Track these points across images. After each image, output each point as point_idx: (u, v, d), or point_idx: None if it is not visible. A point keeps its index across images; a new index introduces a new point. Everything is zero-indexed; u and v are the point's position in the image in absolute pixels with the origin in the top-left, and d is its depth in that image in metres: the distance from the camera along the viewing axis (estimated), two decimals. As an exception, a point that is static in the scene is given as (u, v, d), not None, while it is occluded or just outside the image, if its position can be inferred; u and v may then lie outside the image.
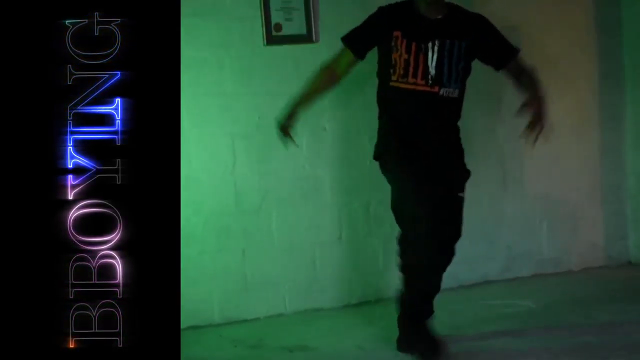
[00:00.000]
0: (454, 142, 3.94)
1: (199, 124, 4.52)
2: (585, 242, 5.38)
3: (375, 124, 4.78)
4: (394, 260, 4.84)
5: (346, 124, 4.80)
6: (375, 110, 4.77)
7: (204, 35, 4.52)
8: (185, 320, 4.36)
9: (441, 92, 3.80)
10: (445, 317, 4.26)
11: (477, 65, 4.94)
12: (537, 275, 5.17)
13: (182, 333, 4.22)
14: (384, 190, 4.71)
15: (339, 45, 4.70)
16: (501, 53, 3.96)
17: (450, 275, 4.29)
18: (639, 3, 5.33)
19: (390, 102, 3.94)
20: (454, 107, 3.89)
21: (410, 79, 3.80)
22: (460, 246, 4.63)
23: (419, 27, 3.81)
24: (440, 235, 3.72)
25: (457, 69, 3.81)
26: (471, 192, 4.80)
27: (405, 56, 3.79)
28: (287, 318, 4.65)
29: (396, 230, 4.84)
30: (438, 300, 4.57)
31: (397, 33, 3.80)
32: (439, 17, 3.82)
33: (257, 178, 4.66)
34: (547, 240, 5.27)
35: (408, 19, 3.83)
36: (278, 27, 4.63)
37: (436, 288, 3.89)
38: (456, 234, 3.84)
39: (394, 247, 4.83)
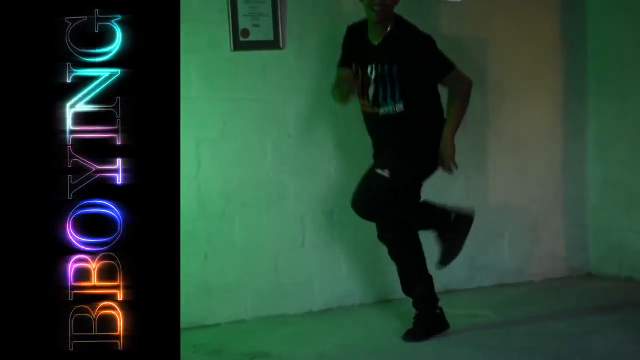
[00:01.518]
0: (400, 149, 4.10)
1: (163, 128, 4.47)
2: (547, 253, 5.40)
3: (341, 131, 4.80)
4: (357, 267, 4.86)
5: (311, 130, 4.77)
6: (341, 118, 4.78)
7: (171, 39, 4.48)
8: (145, 325, 4.32)
9: (381, 112, 4.06)
10: (405, 326, 4.26)
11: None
12: (499, 285, 5.17)
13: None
14: (348, 197, 4.69)
15: (305, 52, 4.71)
16: (435, 71, 4.08)
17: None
18: (604, 21, 5.37)
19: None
20: (403, 121, 4.05)
21: (361, 101, 4.14)
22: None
23: (364, 52, 4.09)
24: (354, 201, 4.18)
25: (394, 89, 4.01)
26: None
27: (356, 80, 4.10)
28: (249, 324, 4.59)
29: (359, 238, 4.86)
30: (398, 309, 4.58)
31: (351, 58, 4.15)
32: (380, 41, 4.03)
33: (221, 183, 4.61)
34: (509, 250, 5.27)
35: (359, 43, 4.12)
36: (246, 32, 4.58)
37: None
38: (363, 199, 4.13)
39: (357, 254, 4.85)
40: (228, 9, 4.55)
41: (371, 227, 4.66)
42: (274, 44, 4.64)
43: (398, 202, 4.09)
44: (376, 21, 3.98)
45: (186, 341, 4.25)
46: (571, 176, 5.46)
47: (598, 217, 5.46)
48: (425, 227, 4.21)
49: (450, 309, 4.26)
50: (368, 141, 4.80)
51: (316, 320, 4.61)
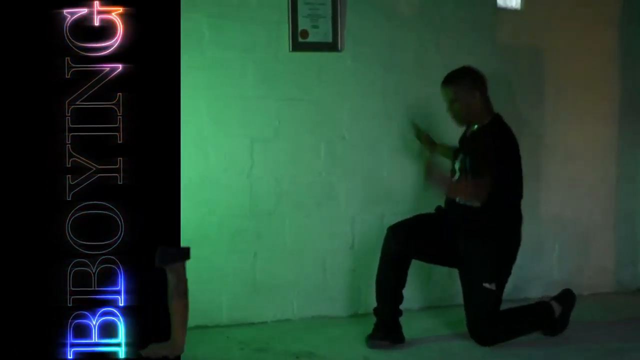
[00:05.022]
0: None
1: (219, 125, 4.45)
2: (596, 267, 5.30)
3: (395, 135, 4.76)
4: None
5: (366, 133, 4.74)
6: (395, 122, 4.75)
7: (229, 37, 4.44)
8: (193, 320, 4.31)
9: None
10: (455, 334, 4.23)
11: (503, 85, 4.92)
12: (547, 297, 5.08)
13: (189, 332, 4.21)
14: (398, 202, 4.68)
15: (362, 55, 4.68)
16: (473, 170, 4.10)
17: (461, 293, 4.24)
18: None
19: None
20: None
21: None
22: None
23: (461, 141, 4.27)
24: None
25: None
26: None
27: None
28: (295, 324, 4.55)
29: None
30: (443, 316, 4.53)
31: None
32: (468, 134, 4.22)
33: (273, 182, 4.57)
34: (558, 262, 5.17)
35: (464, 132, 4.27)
36: (304, 33, 4.56)
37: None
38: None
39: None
40: (288, 9, 4.50)
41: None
42: (331, 46, 4.59)
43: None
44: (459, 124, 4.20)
45: (233, 337, 4.29)
46: (624, 190, 5.33)
47: (649, 232, 5.37)
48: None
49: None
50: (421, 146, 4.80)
51: (361, 323, 4.52)
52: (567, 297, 4.28)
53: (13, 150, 3.03)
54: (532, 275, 5.09)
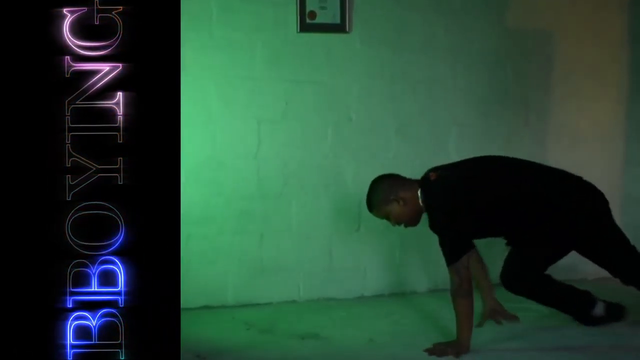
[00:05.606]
0: None
1: (226, 106, 4.45)
2: (602, 252, 5.30)
3: (402, 117, 4.75)
4: (410, 255, 4.82)
5: (373, 115, 4.73)
6: (402, 104, 4.74)
7: (238, 18, 4.42)
8: (199, 300, 4.36)
9: None
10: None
11: (507, 66, 4.90)
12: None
13: (195, 312, 4.23)
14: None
15: (370, 37, 4.66)
16: None
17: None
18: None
19: None
20: None
21: None
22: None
23: None
24: None
25: None
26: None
27: None
28: (300, 305, 4.56)
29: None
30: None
31: None
32: None
33: (280, 164, 4.57)
34: (564, 247, 5.19)
35: None
36: (312, 14, 4.54)
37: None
38: None
39: (411, 243, 4.80)
40: (297, -10, 4.52)
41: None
42: (339, 27, 4.57)
43: None
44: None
45: (238, 317, 4.30)
46: (631, 175, 5.30)
47: (656, 218, 5.34)
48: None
49: (502, 302, 4.21)
50: (429, 130, 4.80)
51: (367, 305, 4.56)
52: (616, 311, 4.19)
53: (13, 150, 3.00)
54: (538, 260, 5.07)
